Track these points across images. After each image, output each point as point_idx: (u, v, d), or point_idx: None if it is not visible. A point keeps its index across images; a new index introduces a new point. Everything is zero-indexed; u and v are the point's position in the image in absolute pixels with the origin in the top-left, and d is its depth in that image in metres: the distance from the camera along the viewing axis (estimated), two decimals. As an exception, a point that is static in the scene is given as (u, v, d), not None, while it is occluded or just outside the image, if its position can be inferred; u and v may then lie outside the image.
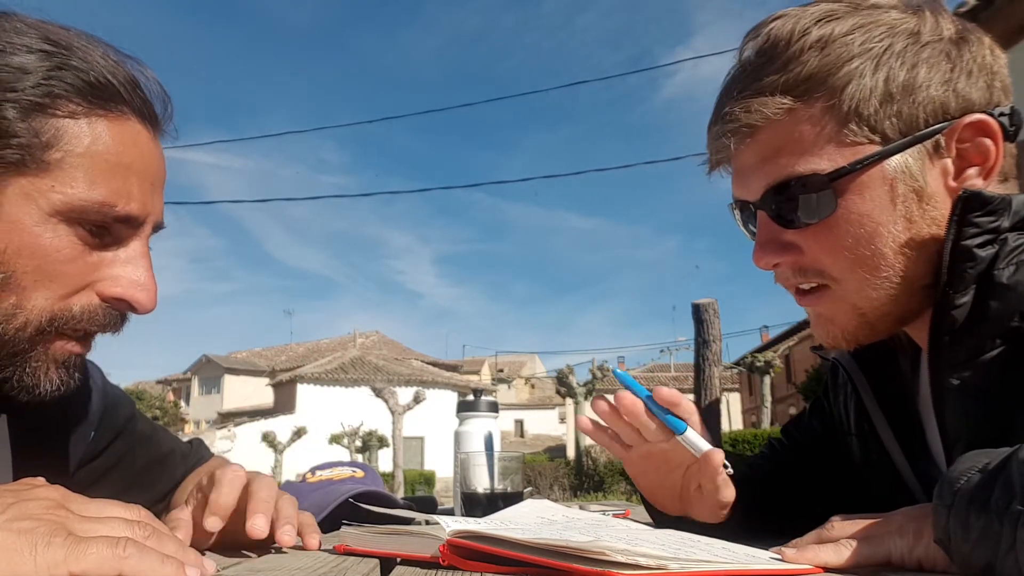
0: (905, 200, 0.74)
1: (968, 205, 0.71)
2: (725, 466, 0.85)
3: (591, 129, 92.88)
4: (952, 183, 0.74)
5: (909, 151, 0.73)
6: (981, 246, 0.71)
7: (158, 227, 0.79)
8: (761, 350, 21.55)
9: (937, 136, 0.73)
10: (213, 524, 0.74)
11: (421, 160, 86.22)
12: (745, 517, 0.91)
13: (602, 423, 0.93)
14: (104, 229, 0.72)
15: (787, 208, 0.77)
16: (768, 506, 0.95)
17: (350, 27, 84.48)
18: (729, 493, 0.88)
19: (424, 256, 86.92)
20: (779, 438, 1.10)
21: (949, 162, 0.74)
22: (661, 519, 0.99)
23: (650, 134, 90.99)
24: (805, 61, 0.74)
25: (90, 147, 0.70)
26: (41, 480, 0.59)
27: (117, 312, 0.75)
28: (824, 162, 0.74)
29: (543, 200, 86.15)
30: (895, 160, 0.73)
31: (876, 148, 0.73)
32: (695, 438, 0.86)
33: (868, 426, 0.90)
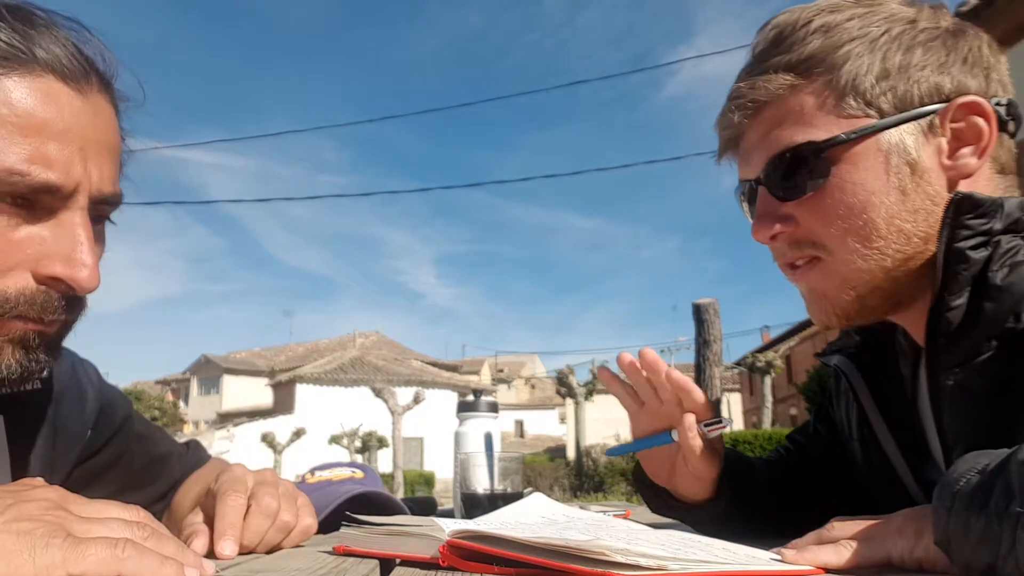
0: (899, 172, 0.76)
1: (960, 207, 0.73)
2: (712, 424, 0.88)
3: (591, 129, 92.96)
4: (946, 161, 0.76)
5: (904, 127, 0.76)
6: (974, 248, 0.72)
7: (107, 200, 0.70)
8: (762, 350, 21.54)
9: (931, 115, 0.76)
10: (227, 549, 0.71)
11: (421, 160, 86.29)
12: (737, 511, 0.93)
13: (621, 377, 0.96)
14: (26, 201, 0.64)
15: (784, 180, 0.79)
16: (771, 509, 0.96)
17: (350, 27, 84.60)
18: (707, 464, 0.90)
19: (424, 256, 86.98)
20: (786, 445, 1.11)
21: (943, 141, 0.76)
22: (645, 491, 1.02)
23: (651, 133, 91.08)
24: (808, 43, 0.78)
25: None
26: (40, 480, 0.59)
27: (58, 294, 0.67)
28: (821, 132, 0.77)
29: (543, 200, 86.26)
30: (890, 134, 0.76)
31: (872, 121, 0.76)
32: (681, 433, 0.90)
33: (868, 431, 0.90)
